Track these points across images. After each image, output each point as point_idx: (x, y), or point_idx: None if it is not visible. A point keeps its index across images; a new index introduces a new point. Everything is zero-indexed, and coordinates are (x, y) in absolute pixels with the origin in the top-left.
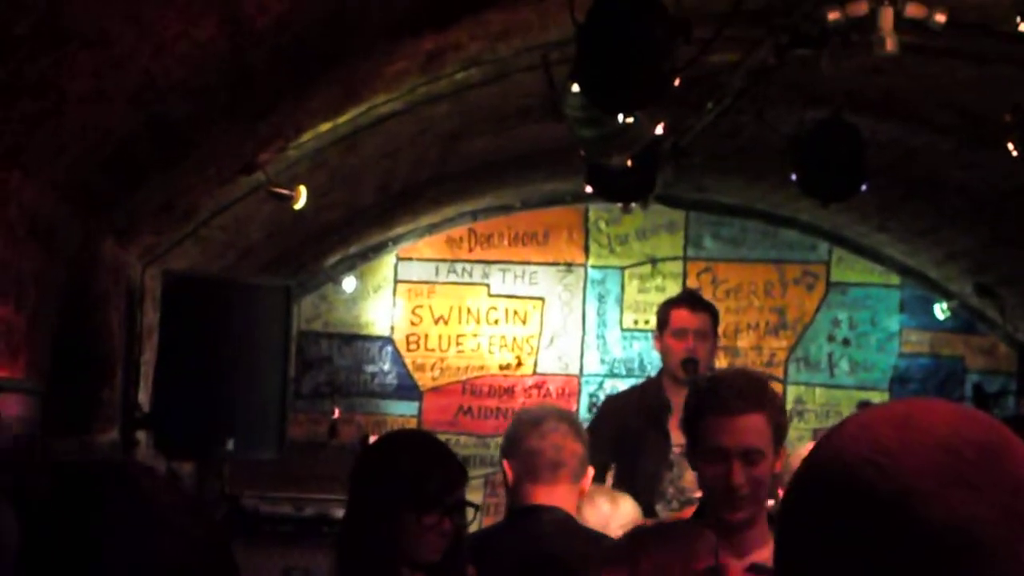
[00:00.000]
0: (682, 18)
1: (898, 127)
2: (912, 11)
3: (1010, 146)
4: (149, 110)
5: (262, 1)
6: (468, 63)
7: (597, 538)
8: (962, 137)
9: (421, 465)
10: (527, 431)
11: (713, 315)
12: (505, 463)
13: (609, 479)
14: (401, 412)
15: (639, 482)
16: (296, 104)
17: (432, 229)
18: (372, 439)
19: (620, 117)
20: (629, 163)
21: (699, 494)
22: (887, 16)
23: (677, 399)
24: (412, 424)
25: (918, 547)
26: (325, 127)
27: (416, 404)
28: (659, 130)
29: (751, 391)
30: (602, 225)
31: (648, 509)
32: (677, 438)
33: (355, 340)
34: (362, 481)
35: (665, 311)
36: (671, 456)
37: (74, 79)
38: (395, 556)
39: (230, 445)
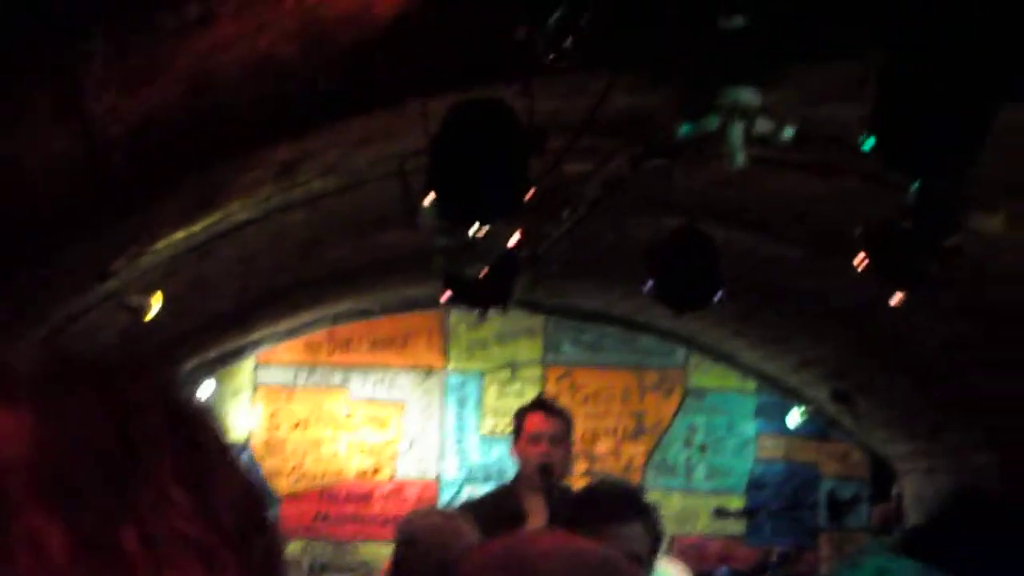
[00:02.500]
0: (535, 130)
1: (752, 237)
2: (762, 126)
3: (859, 258)
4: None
5: (116, 112)
6: (325, 171)
7: None
8: (814, 248)
9: None
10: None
11: (567, 421)
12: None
13: None
14: None
15: None
16: (151, 212)
17: (291, 333)
18: None
19: (474, 227)
20: (485, 272)
21: None
22: (738, 131)
23: (533, 505)
24: None
25: None
26: (180, 234)
27: (272, 511)
28: (515, 239)
29: (628, 500)
30: (462, 330)
31: None
32: None
33: None
34: None
35: (520, 417)
36: None
37: None
38: None
39: None
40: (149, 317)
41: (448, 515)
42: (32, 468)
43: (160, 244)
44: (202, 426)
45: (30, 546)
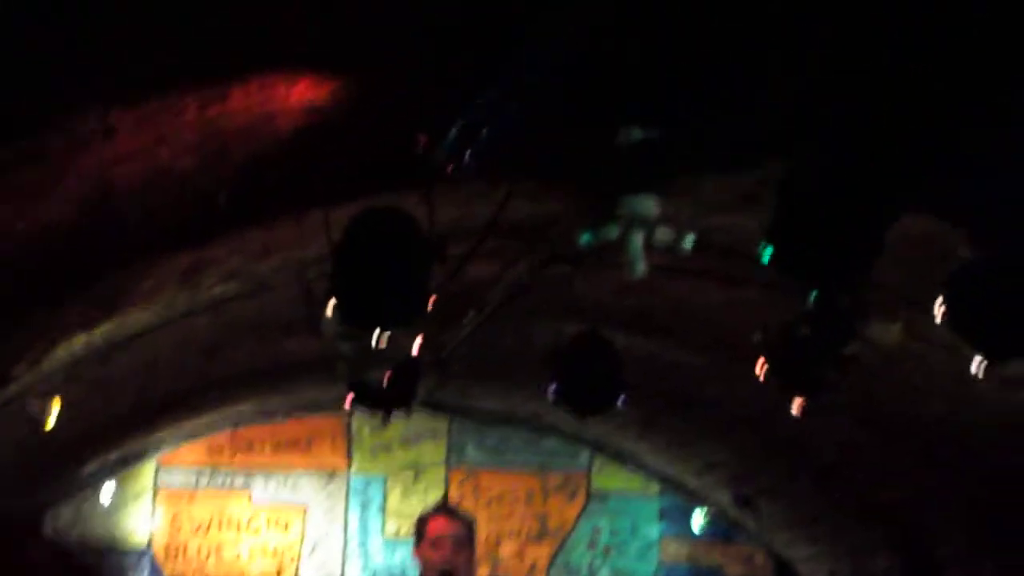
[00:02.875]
0: (436, 238)
1: (654, 343)
2: (661, 235)
3: (759, 365)
4: None
5: (9, 227)
6: (227, 277)
7: None
8: (716, 354)
9: None
10: None
11: (470, 525)
12: None
13: None
14: None
15: None
16: (49, 319)
17: (194, 435)
18: None
19: (376, 334)
20: (389, 376)
21: None
22: (637, 239)
23: None
24: None
25: None
26: (79, 340)
27: None
28: (418, 344)
29: None
30: (365, 432)
31: None
32: None
33: (112, 553)
34: None
35: (422, 522)
36: None
37: None
38: None
39: None
40: (49, 426)
41: None
42: None
43: (59, 351)
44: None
45: None
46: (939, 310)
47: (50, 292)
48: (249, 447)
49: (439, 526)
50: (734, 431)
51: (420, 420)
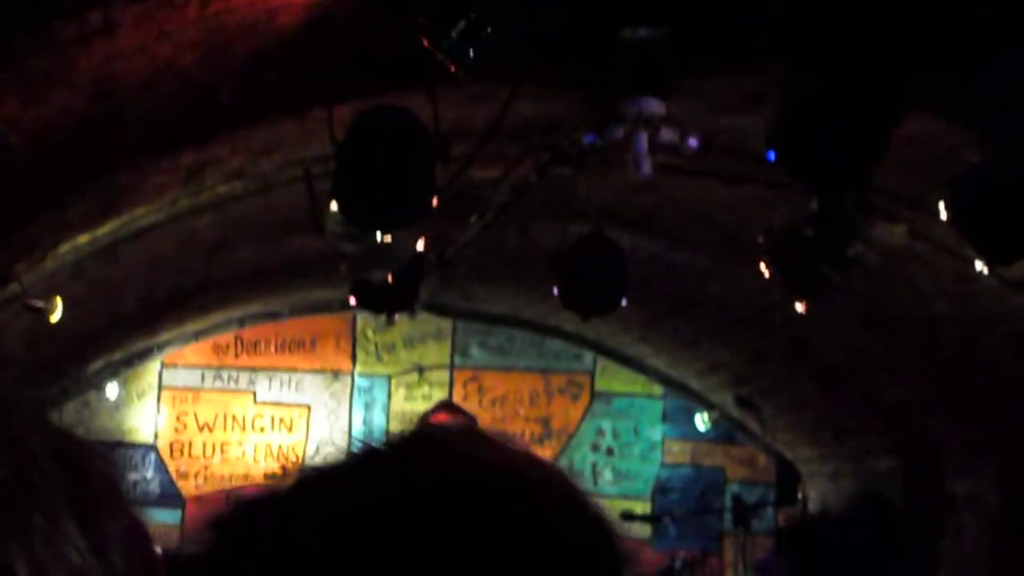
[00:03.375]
0: (440, 137)
1: (658, 244)
2: (666, 135)
3: (762, 266)
4: None
5: (16, 119)
6: (230, 176)
7: None
8: (719, 255)
9: None
10: None
11: (471, 423)
12: None
13: None
14: (164, 520)
15: None
16: (54, 216)
17: (198, 335)
18: None
19: (379, 235)
20: (392, 277)
21: None
22: (643, 139)
23: None
24: (175, 533)
25: None
26: (84, 239)
27: (179, 512)
28: (422, 244)
29: None
30: (369, 333)
31: None
32: None
33: (117, 447)
34: None
35: (424, 421)
36: None
37: None
38: None
39: None
40: (54, 319)
41: None
42: None
43: (64, 248)
44: (89, 459)
45: None
46: (943, 211)
47: (55, 188)
48: (254, 347)
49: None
50: (737, 333)
51: (424, 322)
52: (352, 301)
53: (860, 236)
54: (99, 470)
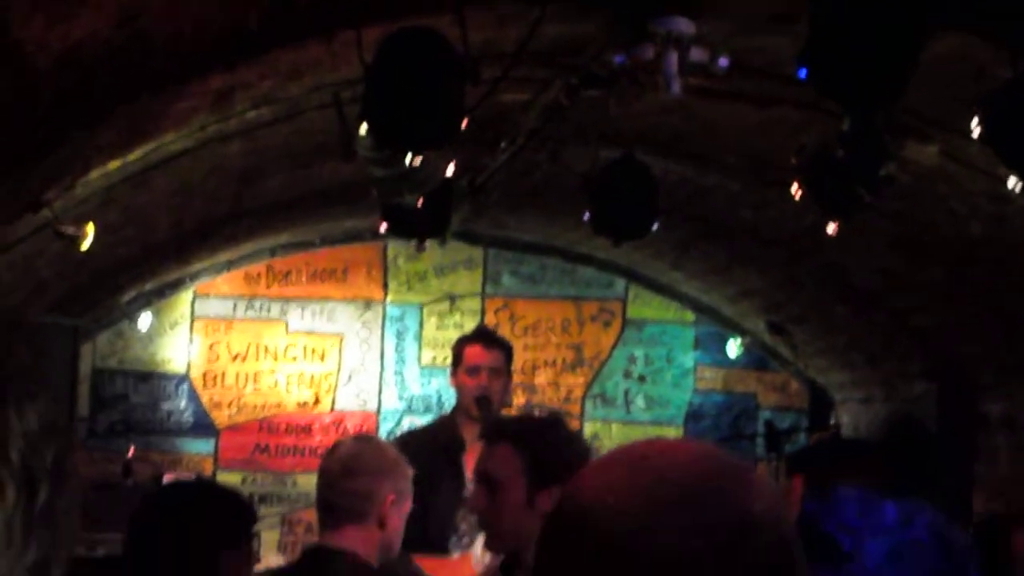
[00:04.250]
0: (469, 59)
1: (689, 167)
2: (696, 55)
3: (795, 188)
4: None
5: (43, 40)
6: (259, 101)
7: None
8: (751, 178)
9: (230, 504)
10: (334, 468)
11: (507, 351)
12: (318, 495)
13: None
14: (197, 450)
15: (432, 518)
16: (83, 141)
17: (230, 265)
18: (167, 478)
19: (409, 157)
20: (422, 202)
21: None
22: (672, 60)
23: (472, 436)
24: (208, 462)
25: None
26: (114, 164)
27: (212, 442)
28: (452, 169)
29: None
30: (401, 262)
31: (441, 545)
32: (471, 475)
33: (151, 378)
34: (167, 526)
35: (459, 348)
36: (464, 493)
37: None
38: None
39: None
40: (84, 247)
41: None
42: None
43: (94, 174)
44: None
45: None
46: (975, 130)
47: (84, 113)
48: (285, 277)
49: (476, 353)
50: (769, 258)
51: (455, 250)
52: (383, 228)
53: (892, 156)
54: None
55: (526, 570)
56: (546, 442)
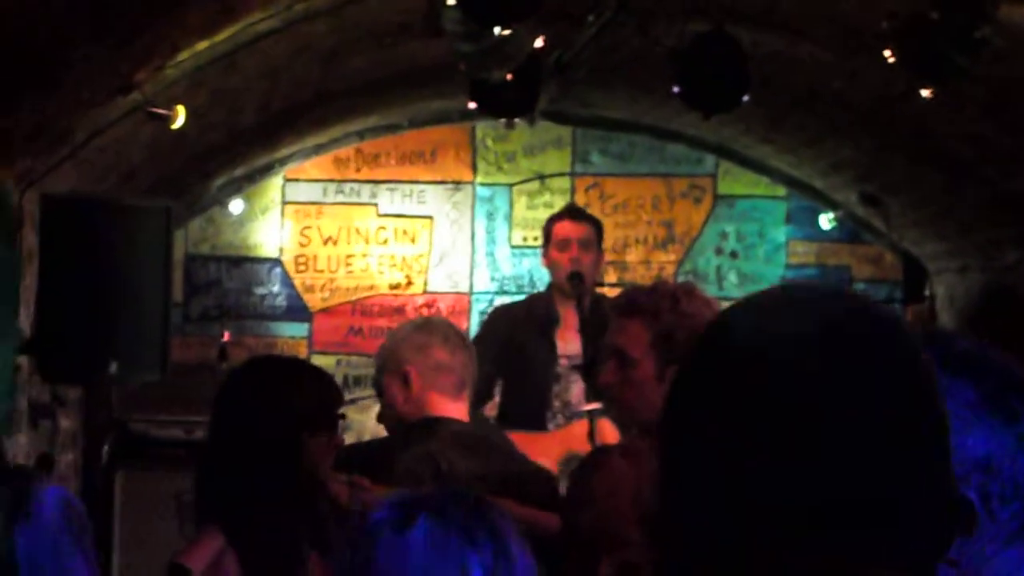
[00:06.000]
0: None
1: (779, 38)
2: None
3: (887, 53)
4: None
5: None
6: None
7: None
8: (841, 47)
9: (316, 385)
10: (435, 343)
11: (596, 226)
12: (412, 370)
13: (496, 393)
14: (291, 334)
15: (527, 394)
16: (171, 22)
17: (319, 149)
18: None
19: (497, 30)
20: (510, 77)
21: (585, 407)
22: None
23: (565, 312)
24: (303, 346)
25: (777, 410)
26: (202, 46)
27: (306, 325)
28: (539, 43)
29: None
30: (489, 142)
31: (536, 421)
32: (564, 351)
33: (243, 263)
34: (249, 406)
35: (549, 225)
36: (558, 369)
37: None
38: (296, 474)
39: (113, 368)
40: (176, 126)
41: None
42: None
43: (183, 55)
44: None
45: None
46: None
47: None
48: (374, 160)
49: (567, 228)
50: (861, 129)
51: (544, 130)
52: (471, 105)
53: (987, 18)
54: None
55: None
56: (676, 315)
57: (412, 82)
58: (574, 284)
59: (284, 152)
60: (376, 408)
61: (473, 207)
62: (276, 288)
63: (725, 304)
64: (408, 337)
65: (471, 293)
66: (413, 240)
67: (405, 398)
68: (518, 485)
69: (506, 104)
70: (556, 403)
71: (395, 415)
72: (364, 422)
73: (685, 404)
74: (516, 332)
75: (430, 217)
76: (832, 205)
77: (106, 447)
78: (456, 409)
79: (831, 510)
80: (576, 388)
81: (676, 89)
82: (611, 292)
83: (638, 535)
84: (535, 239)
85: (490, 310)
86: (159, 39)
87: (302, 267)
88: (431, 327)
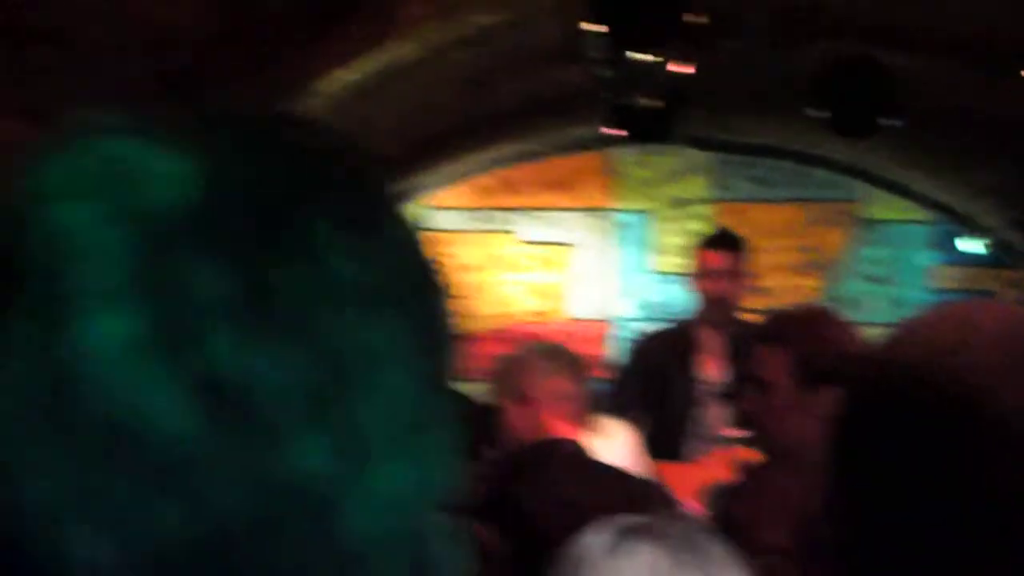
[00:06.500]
0: None
1: (922, 60)
2: None
3: None
4: (156, 59)
5: None
6: (486, 6)
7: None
8: (990, 69)
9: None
10: (556, 369)
11: (742, 252)
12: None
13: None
14: None
15: (666, 419)
16: (311, 50)
17: (457, 177)
18: None
19: (638, 55)
20: (650, 103)
21: (723, 432)
22: None
23: (708, 339)
24: None
25: (987, 439)
26: (341, 74)
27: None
28: (680, 69)
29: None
30: (628, 169)
31: (671, 449)
32: (705, 378)
33: None
34: None
35: (696, 252)
36: (697, 395)
37: (85, 27)
38: None
39: None
40: None
41: None
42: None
43: (323, 84)
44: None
45: None
46: None
47: (311, 21)
48: (514, 188)
49: (713, 257)
50: (1006, 151)
51: (684, 156)
52: (610, 131)
53: None
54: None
55: (797, 468)
56: (815, 341)
57: (552, 110)
58: (720, 311)
59: (423, 180)
60: None
61: (613, 234)
62: None
63: (868, 329)
64: (531, 361)
65: (612, 320)
66: (554, 267)
67: (525, 420)
68: (637, 501)
69: (646, 130)
70: (695, 431)
71: (513, 439)
72: None
73: (905, 456)
74: (658, 359)
75: (570, 244)
76: (978, 229)
77: None
78: (576, 435)
79: None
80: (714, 412)
81: (818, 114)
82: (755, 318)
83: (785, 544)
84: (675, 265)
85: (636, 338)
86: (299, 68)
87: None
88: (554, 353)
